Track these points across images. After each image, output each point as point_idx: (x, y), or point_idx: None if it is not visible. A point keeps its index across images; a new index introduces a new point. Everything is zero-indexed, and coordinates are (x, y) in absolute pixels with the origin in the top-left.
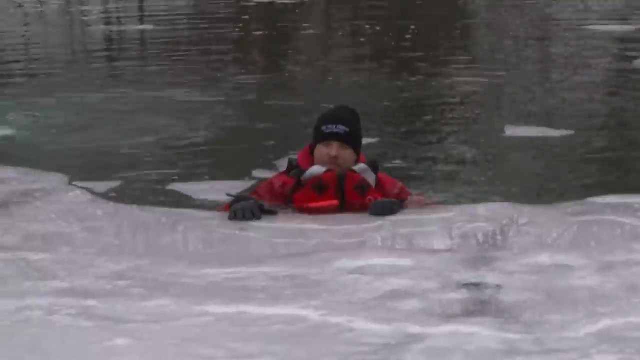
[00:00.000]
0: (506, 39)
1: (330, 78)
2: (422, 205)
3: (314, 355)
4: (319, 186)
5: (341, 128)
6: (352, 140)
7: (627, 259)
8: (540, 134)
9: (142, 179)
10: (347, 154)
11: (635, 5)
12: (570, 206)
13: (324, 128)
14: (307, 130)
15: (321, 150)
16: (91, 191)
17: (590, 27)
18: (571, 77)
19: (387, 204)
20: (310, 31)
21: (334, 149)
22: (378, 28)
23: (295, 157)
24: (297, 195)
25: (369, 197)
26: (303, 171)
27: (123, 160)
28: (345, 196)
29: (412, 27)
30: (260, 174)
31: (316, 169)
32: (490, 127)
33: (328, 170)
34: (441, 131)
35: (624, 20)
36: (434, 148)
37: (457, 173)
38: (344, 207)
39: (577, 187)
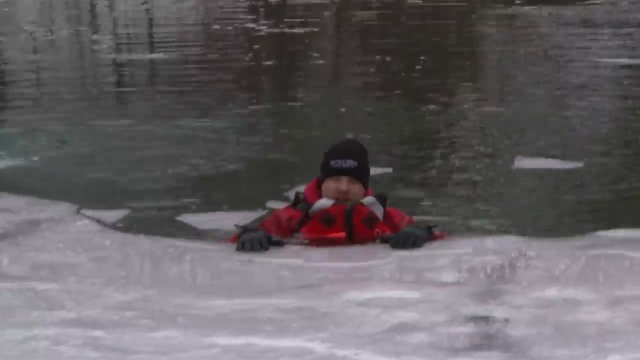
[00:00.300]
0: (516, 68)
1: (342, 108)
2: (444, 238)
3: None
4: (327, 219)
5: (350, 163)
6: (361, 174)
7: (636, 294)
8: (549, 166)
9: (151, 209)
10: (356, 188)
11: None
12: (578, 240)
13: (332, 163)
14: (318, 161)
15: (330, 185)
16: (99, 221)
17: (598, 58)
18: (581, 108)
19: (411, 236)
20: (320, 61)
21: (343, 183)
22: (388, 58)
23: (302, 190)
24: (304, 229)
25: (377, 230)
26: (310, 205)
27: (132, 189)
28: (354, 229)
29: (422, 57)
30: (271, 204)
31: (324, 202)
32: (500, 158)
33: (336, 203)
34: (450, 162)
35: (632, 52)
36: (443, 179)
37: (465, 205)
38: (352, 240)
39: (586, 220)
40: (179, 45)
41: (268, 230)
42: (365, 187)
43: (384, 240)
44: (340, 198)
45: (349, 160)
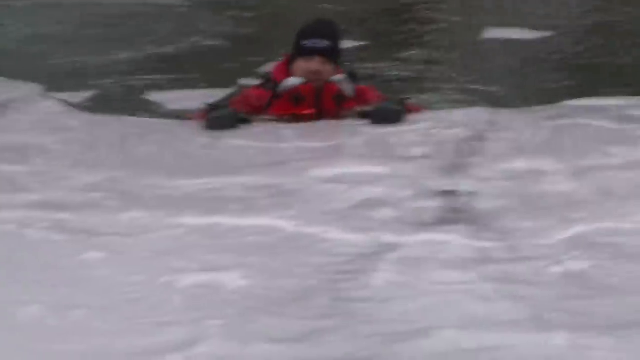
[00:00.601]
0: None
1: None
2: (419, 111)
3: (289, 266)
4: (296, 97)
5: (323, 42)
6: (333, 55)
7: (602, 163)
8: (518, 36)
9: (119, 88)
10: (328, 69)
11: None
12: (545, 110)
13: (305, 42)
14: (291, 37)
15: (301, 65)
16: (66, 101)
17: None
18: None
19: (392, 111)
20: None
21: (315, 64)
22: None
23: (270, 70)
24: (273, 108)
25: (346, 107)
26: (278, 84)
27: (99, 68)
28: (323, 107)
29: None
30: (242, 82)
31: (293, 80)
32: (469, 29)
33: (305, 82)
34: (420, 35)
35: None
36: (412, 52)
37: (435, 78)
38: (322, 117)
39: (554, 90)
40: None
41: (236, 109)
42: (338, 67)
43: (363, 115)
44: (311, 78)
45: (323, 40)
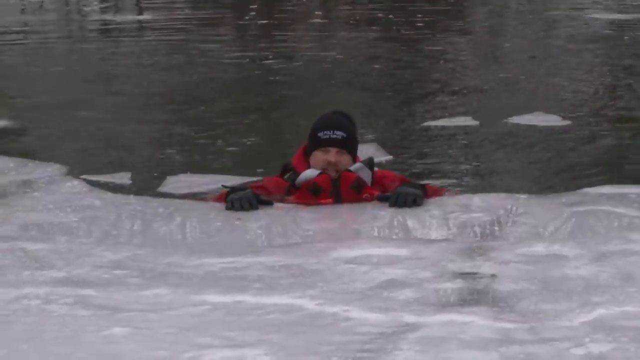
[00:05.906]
0: (508, 26)
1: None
2: (441, 194)
3: (310, 344)
4: (314, 189)
5: (338, 133)
6: (349, 145)
7: (622, 249)
8: (537, 123)
9: (141, 169)
10: (345, 159)
11: None
12: (565, 196)
13: (320, 134)
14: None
15: (318, 156)
16: (89, 181)
17: (591, 15)
18: (571, 65)
19: (410, 194)
20: (317, 20)
21: (332, 154)
22: (391, 16)
23: (289, 161)
24: (291, 198)
25: (365, 195)
26: (298, 174)
27: (122, 149)
28: (341, 196)
29: (419, 14)
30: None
31: (310, 172)
32: (490, 116)
33: (322, 173)
34: (441, 120)
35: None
36: (432, 138)
37: (454, 163)
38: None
39: (573, 177)
40: (167, 6)
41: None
42: (354, 157)
43: (382, 200)
44: (329, 169)
45: (337, 130)
